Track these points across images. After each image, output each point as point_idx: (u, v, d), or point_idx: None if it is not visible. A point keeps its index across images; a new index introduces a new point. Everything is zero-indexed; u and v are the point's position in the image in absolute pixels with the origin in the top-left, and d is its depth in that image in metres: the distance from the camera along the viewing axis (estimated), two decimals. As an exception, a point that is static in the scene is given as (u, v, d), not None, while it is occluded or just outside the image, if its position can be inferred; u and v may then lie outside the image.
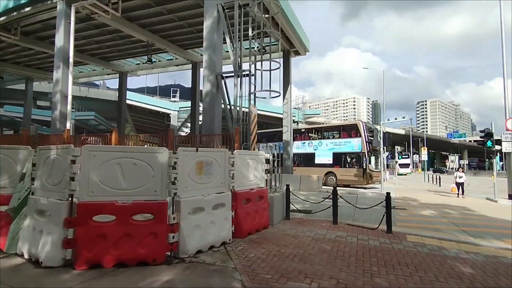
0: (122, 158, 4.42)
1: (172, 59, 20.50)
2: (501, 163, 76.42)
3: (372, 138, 16.93)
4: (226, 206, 5.51)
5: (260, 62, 9.15)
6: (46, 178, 4.63)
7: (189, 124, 41.67)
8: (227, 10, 9.21)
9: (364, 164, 19.23)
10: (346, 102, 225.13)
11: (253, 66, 8.85)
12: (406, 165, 51.07)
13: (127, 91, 24.46)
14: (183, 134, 40.84)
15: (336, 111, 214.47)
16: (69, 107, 10.45)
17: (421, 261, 4.76)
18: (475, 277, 4.22)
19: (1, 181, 5.07)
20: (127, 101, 25.26)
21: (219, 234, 5.24)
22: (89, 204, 4.20)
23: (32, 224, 4.53)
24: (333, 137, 22.22)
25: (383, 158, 18.92)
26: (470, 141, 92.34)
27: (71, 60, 10.54)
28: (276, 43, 12.45)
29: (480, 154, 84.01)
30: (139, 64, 21.85)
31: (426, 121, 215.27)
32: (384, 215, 6.81)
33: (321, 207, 8.59)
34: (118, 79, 23.55)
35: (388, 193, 6.93)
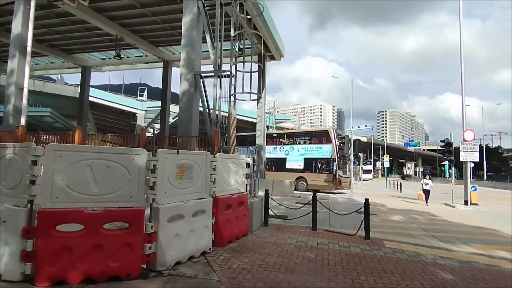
0: (94, 159, 3.92)
1: (141, 56, 19.51)
2: (449, 171, 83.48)
3: (343, 145, 17.38)
4: (206, 212, 5.16)
5: (242, 64, 8.88)
6: (1, 181, 3.98)
7: (156, 125, 40.20)
8: (207, 8, 8.86)
9: (334, 170, 19.67)
10: (313, 109, 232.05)
11: (233, 67, 8.57)
12: (368, 171, 53.57)
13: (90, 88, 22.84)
14: (149, 134, 39.14)
15: (304, 117, 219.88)
16: (24, 101, 9.37)
17: (404, 269, 4.78)
18: (456, 283, 4.29)
19: None
20: (89, 98, 23.60)
21: (199, 243, 4.88)
22: (52, 211, 3.65)
23: (-20, 234, 3.85)
24: (305, 143, 22.52)
25: (352, 164, 19.45)
26: (424, 149, 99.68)
27: (28, 49, 9.48)
28: (252, 46, 12.32)
29: (433, 162, 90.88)
30: (104, 59, 20.51)
31: (386, 130, 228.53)
32: (362, 221, 6.87)
33: (298, 213, 8.49)
34: (79, 74, 21.96)
35: (366, 200, 7.00)
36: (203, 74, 8.61)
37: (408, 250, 5.89)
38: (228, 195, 5.91)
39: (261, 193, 7.90)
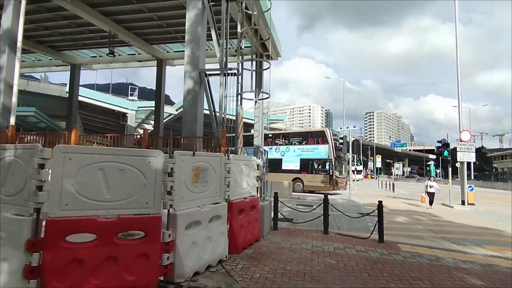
0: (106, 162, 3.56)
1: (134, 53, 18.89)
2: (438, 170, 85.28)
3: (342, 145, 17.29)
4: (222, 218, 4.85)
5: (249, 62, 8.57)
6: (-2, 187, 3.56)
7: (145, 125, 39.35)
8: (212, 3, 8.49)
9: (331, 171, 19.59)
10: (302, 110, 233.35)
11: (240, 65, 8.25)
12: (359, 172, 54.07)
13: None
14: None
15: (293, 117, 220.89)
16: (14, 99, 8.78)
17: (430, 274, 4.59)
18: (488, 289, 4.13)
19: None
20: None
21: (215, 251, 4.56)
22: (62, 220, 3.27)
23: (-25, 247, 3.42)
24: (300, 143, 22.37)
25: (350, 165, 19.41)
26: (410, 150, 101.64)
27: (19, 44, 8.90)
28: (252, 45, 12.02)
29: (419, 162, 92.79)
30: (95, 56, 19.78)
31: (373, 131, 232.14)
32: (376, 224, 6.69)
33: (303, 216, 8.25)
34: (64, 72, 21.10)
35: (380, 202, 6.83)
36: (207, 72, 8.26)
37: (427, 254, 5.73)
38: (241, 199, 5.61)
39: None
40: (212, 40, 8.77)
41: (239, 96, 8.20)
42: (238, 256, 5.03)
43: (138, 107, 33.31)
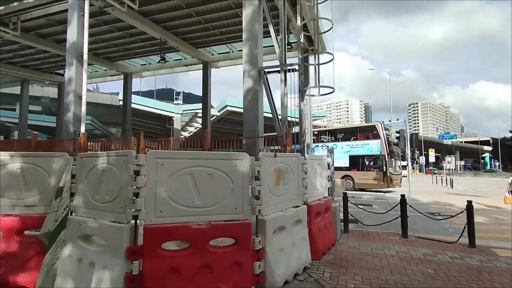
0: (195, 167, 3.46)
1: (181, 58, 19.42)
2: (498, 163, 77.05)
3: (399, 140, 16.17)
4: (302, 222, 4.58)
5: (313, 56, 8.21)
6: (92, 194, 3.62)
7: (189, 128, 40.60)
8: (266, -1, 8.27)
9: (384, 167, 18.45)
10: (340, 105, 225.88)
11: (299, 60, 7.94)
12: (404, 167, 50.70)
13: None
14: (185, 134, 39.66)
15: (330, 113, 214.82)
16: (83, 108, 9.37)
17: (557, 288, 3.88)
18: None
19: (29, 198, 4.01)
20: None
21: (300, 257, 4.28)
22: (158, 227, 3.22)
23: (76, 253, 3.50)
24: (348, 139, 21.43)
25: (409, 160, 18.11)
26: (461, 142, 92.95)
27: (85, 56, 9.47)
28: (298, 41, 11.55)
29: (472, 155, 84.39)
30: (145, 64, 20.69)
31: (418, 123, 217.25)
32: (464, 226, 5.97)
33: (367, 216, 7.70)
34: (117, 81, 22.40)
35: (469, 202, 6.09)
36: (266, 70, 8.05)
37: (536, 262, 4.94)
38: (316, 201, 5.29)
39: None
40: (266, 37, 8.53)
41: (301, 93, 7.89)
42: (319, 262, 4.71)
43: (183, 111, 34.46)
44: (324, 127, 48.42)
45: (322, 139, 23.11)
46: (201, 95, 19.57)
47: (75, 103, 9.22)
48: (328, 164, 6.15)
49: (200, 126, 35.13)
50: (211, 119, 35.97)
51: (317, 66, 8.94)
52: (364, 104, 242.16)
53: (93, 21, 13.09)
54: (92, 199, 3.61)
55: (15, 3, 11.31)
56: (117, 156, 3.48)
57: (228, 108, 32.02)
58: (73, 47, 9.56)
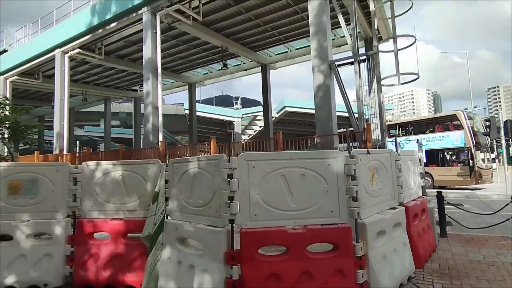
0: (287, 168, 3.29)
1: (240, 63, 19.92)
2: None
3: (490, 129, 14.01)
4: (401, 226, 4.09)
5: (392, 42, 7.58)
6: (186, 198, 3.71)
7: (248, 131, 41.46)
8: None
9: (471, 161, 16.17)
10: (403, 96, 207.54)
11: (375, 47, 7.37)
12: (493, 160, 44.09)
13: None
14: (244, 137, 40.62)
15: (393, 106, 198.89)
16: (160, 118, 10.12)
17: None
18: None
19: (130, 203, 4.31)
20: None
21: (403, 265, 3.82)
22: (254, 231, 3.12)
23: (175, 256, 3.62)
24: (422, 132, 19.38)
25: (504, 152, 15.64)
26: None
27: (159, 70, 10.25)
28: (359, 30, 10.70)
29: None
30: (207, 73, 21.75)
31: (500, 109, 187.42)
32: None
33: (462, 217, 6.66)
34: (181, 92, 23.96)
35: None
36: (337, 63, 7.63)
37: None
38: (412, 201, 4.72)
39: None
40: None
41: (379, 83, 7.27)
42: (423, 271, 4.15)
43: (243, 114, 35.40)
44: (390, 121, 44.91)
45: (390, 134, 21.35)
46: (256, 98, 20.00)
47: (153, 114, 9.97)
48: (420, 160, 5.48)
49: (259, 129, 35.64)
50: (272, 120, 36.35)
51: (397, 52, 8.13)
52: (432, 93, 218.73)
53: (162, 37, 14.08)
54: (185, 203, 3.71)
55: (99, 30, 12.76)
56: (208, 160, 3.51)
57: (287, 109, 31.79)
58: (148, 62, 10.39)
